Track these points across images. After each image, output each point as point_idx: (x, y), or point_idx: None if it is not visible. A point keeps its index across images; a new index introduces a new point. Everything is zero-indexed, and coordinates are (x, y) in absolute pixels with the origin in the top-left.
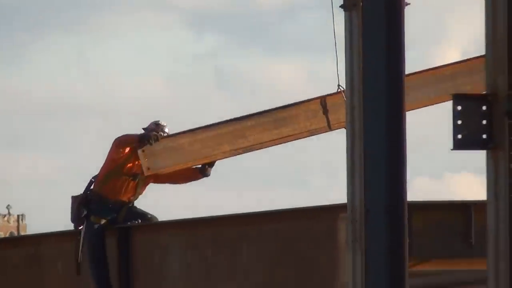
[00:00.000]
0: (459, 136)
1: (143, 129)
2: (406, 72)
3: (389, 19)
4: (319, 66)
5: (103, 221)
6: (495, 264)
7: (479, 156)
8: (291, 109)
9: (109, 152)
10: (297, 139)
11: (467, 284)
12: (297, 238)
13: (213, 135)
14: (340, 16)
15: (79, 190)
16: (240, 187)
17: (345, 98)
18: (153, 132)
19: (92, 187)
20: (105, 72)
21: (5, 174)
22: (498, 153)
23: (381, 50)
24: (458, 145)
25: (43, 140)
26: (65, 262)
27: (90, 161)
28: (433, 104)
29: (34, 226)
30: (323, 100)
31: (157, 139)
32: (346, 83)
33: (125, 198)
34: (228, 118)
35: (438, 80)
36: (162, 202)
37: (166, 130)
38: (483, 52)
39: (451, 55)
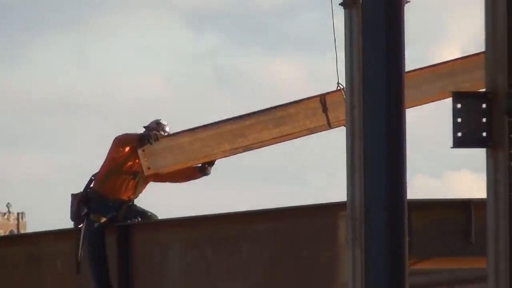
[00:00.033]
0: (459, 134)
1: (144, 127)
2: (405, 70)
3: (389, 17)
4: (319, 65)
5: (103, 220)
6: (495, 263)
7: (479, 154)
8: (290, 107)
9: (109, 151)
10: (297, 137)
11: (467, 282)
12: (297, 236)
13: (213, 134)
14: (340, 14)
15: (79, 188)
16: (240, 185)
17: (344, 97)
18: (153, 131)
19: (92, 185)
20: (105, 71)
21: (5, 172)
22: (498, 151)
23: (381, 48)
24: (458, 143)
25: (43, 139)
26: (65, 260)
27: (90, 160)
28: (432, 102)
29: (34, 224)
30: (322, 98)
31: (157, 139)
32: (346, 82)
33: (125, 197)
34: (228, 116)
35: (437, 77)
36: (162, 200)
37: (167, 129)
38: (482, 50)
39: (451, 54)
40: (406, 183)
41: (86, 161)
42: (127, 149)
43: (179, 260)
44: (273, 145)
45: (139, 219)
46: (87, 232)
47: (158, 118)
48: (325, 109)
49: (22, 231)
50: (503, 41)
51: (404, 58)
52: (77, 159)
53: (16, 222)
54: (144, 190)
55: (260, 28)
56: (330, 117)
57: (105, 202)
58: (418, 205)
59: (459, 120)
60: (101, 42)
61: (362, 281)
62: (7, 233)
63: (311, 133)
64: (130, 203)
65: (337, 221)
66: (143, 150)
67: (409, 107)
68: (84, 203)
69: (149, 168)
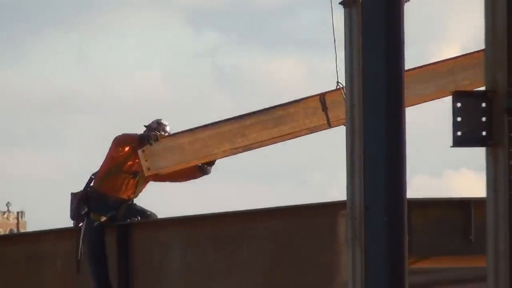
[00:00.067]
0: (459, 133)
1: (145, 126)
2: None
3: (388, 16)
4: (319, 63)
5: (102, 219)
6: (495, 262)
7: (479, 153)
8: (290, 107)
9: (109, 151)
10: (297, 137)
11: (467, 281)
12: (297, 235)
13: (213, 134)
14: (339, 13)
15: (79, 187)
16: (240, 184)
17: (344, 96)
18: (154, 131)
19: (92, 184)
20: (105, 70)
21: (5, 171)
22: (497, 150)
23: (380, 47)
24: (458, 142)
25: (43, 138)
26: (65, 259)
27: (89, 159)
28: (432, 100)
29: (34, 223)
30: (322, 97)
31: (157, 139)
32: (345, 81)
33: (125, 196)
34: (227, 115)
35: (437, 75)
36: (162, 199)
37: (168, 129)
38: (482, 48)
39: (451, 52)
40: (406, 182)
41: (86, 160)
42: (126, 148)
43: (179, 259)
44: (273, 145)
45: (139, 218)
46: (87, 231)
47: (159, 117)
48: (324, 108)
49: (21, 230)
50: (503, 40)
51: (404, 57)
52: (77, 158)
53: (15, 221)
54: (144, 189)
55: (260, 27)
56: (330, 116)
57: (105, 201)
58: (417, 204)
59: (458, 119)
60: (100, 41)
61: (362, 280)
62: (6, 232)
63: (311, 133)
64: (130, 202)
65: (337, 220)
66: (143, 151)
67: (408, 106)
68: (84, 202)
69: (149, 169)
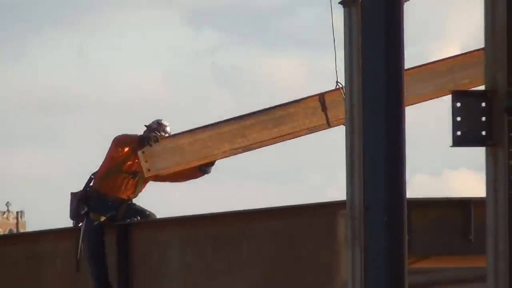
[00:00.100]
0: (458, 133)
1: (146, 126)
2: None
3: (388, 15)
4: (319, 62)
5: (102, 218)
6: (495, 262)
7: (479, 153)
8: (289, 107)
9: (109, 151)
10: (297, 137)
11: (467, 281)
12: (296, 235)
13: (213, 135)
14: (339, 13)
15: (78, 187)
16: (240, 184)
17: (344, 95)
18: (153, 132)
19: (91, 184)
20: (104, 70)
21: (4, 171)
22: (497, 150)
23: (380, 47)
24: (457, 142)
25: (43, 137)
26: (64, 259)
27: (89, 159)
28: (431, 99)
29: (33, 223)
30: (321, 97)
31: (157, 140)
32: (345, 80)
33: (124, 196)
34: (227, 115)
35: (436, 74)
36: (161, 199)
37: (168, 129)
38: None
39: (451, 52)
40: (405, 181)
41: (86, 160)
42: (126, 149)
43: (179, 259)
44: (272, 145)
45: (139, 218)
46: (86, 231)
47: (159, 118)
48: (324, 108)
49: (21, 230)
50: (502, 40)
51: (403, 57)
52: (77, 158)
53: (15, 221)
54: (143, 189)
55: (260, 26)
56: (329, 116)
57: (104, 201)
58: (417, 204)
59: (458, 118)
60: (100, 40)
61: (362, 280)
62: (6, 232)
63: (311, 133)
64: (130, 202)
65: (336, 220)
66: (143, 152)
67: (408, 105)
68: (84, 202)
69: (149, 170)
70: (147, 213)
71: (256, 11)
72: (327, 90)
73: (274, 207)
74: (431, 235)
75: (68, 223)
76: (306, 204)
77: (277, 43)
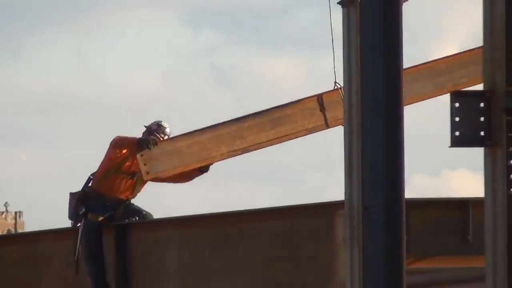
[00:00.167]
0: (457, 133)
1: (145, 126)
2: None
3: (386, 15)
4: (318, 62)
5: (100, 218)
6: (493, 262)
7: (477, 153)
8: (287, 108)
9: (107, 152)
10: (295, 138)
11: (465, 282)
12: (295, 235)
13: (211, 137)
14: (338, 13)
15: (77, 187)
16: (238, 184)
17: (342, 96)
18: (153, 134)
19: (90, 184)
20: (103, 69)
21: (2, 171)
22: (496, 150)
23: (379, 47)
24: (456, 142)
25: (41, 137)
26: (63, 259)
27: (87, 159)
28: (430, 98)
29: (32, 223)
30: (319, 98)
31: (155, 143)
32: (344, 81)
33: (123, 196)
34: (227, 115)
35: (435, 73)
36: (160, 199)
37: (167, 131)
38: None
39: (450, 51)
40: (404, 182)
41: (84, 160)
42: (124, 151)
43: (177, 259)
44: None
45: (137, 218)
46: (84, 231)
47: (159, 119)
48: (322, 109)
49: (19, 231)
50: (501, 40)
51: (402, 57)
52: (75, 158)
53: (13, 221)
54: (142, 189)
55: (259, 26)
56: (327, 117)
57: (103, 201)
58: (416, 204)
59: (457, 119)
60: (99, 40)
61: (360, 280)
62: (4, 233)
63: (309, 133)
64: (128, 202)
65: (335, 220)
66: (142, 155)
67: (406, 104)
68: (82, 202)
69: (148, 173)
70: (144, 213)
71: (254, 11)
72: (325, 90)
73: (273, 207)
74: (430, 235)
75: (67, 223)
76: (305, 204)
77: (276, 43)
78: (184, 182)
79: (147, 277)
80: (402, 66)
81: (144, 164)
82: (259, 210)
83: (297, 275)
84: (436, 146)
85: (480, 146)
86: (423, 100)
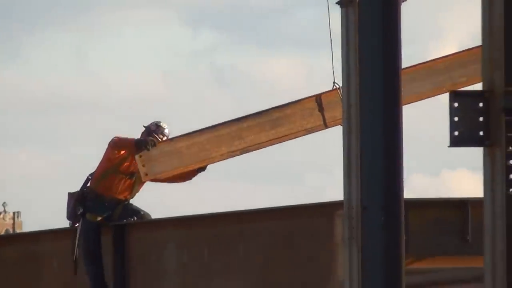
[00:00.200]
0: (456, 133)
1: (144, 126)
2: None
3: (385, 15)
4: (318, 62)
5: (99, 219)
6: (492, 263)
7: (476, 153)
8: (286, 108)
9: (105, 152)
10: (294, 138)
11: (464, 282)
12: (293, 235)
13: (210, 138)
14: (336, 13)
15: (75, 187)
16: (237, 184)
17: (341, 96)
18: (151, 134)
19: (88, 184)
20: (102, 69)
21: (1, 171)
22: (495, 150)
23: (377, 47)
24: (455, 142)
25: (39, 137)
26: (61, 259)
27: (86, 159)
28: (429, 97)
29: (30, 223)
30: (318, 98)
31: (154, 144)
32: (342, 81)
33: (121, 196)
34: (226, 114)
35: (434, 73)
36: (159, 199)
37: (166, 131)
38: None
39: (449, 51)
40: (402, 182)
41: (83, 160)
42: (122, 152)
43: (176, 259)
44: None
45: (135, 218)
46: (83, 231)
47: (158, 120)
48: (321, 109)
49: (18, 231)
50: (500, 40)
51: (400, 57)
52: (74, 158)
53: (12, 221)
54: (141, 189)
55: (258, 26)
56: (326, 117)
57: (101, 201)
58: (414, 204)
59: (456, 119)
60: (98, 40)
61: (359, 280)
62: (2, 233)
63: (308, 133)
64: (126, 202)
65: (333, 220)
66: (140, 156)
67: (405, 104)
68: (80, 202)
69: (146, 174)
70: (142, 213)
71: (254, 11)
72: (324, 90)
73: (272, 207)
74: (429, 235)
75: (65, 223)
76: (304, 204)
77: (275, 43)
78: (182, 182)
79: (146, 277)
80: (401, 66)
81: (143, 165)
82: (258, 210)
83: (296, 275)
84: (436, 146)
85: (479, 146)
86: (422, 99)
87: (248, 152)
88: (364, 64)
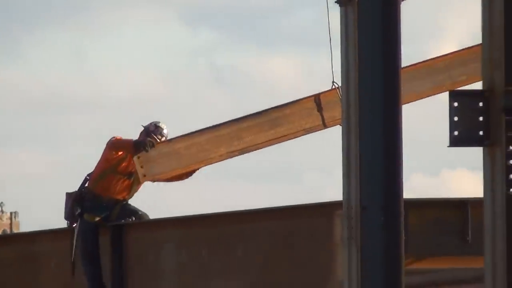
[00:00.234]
0: (456, 133)
1: (143, 126)
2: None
3: (385, 14)
4: (317, 61)
5: (96, 219)
6: (492, 263)
7: (476, 153)
8: (285, 108)
9: (103, 153)
10: (293, 138)
11: (464, 282)
12: (293, 235)
13: (209, 138)
14: (336, 12)
15: (73, 187)
16: (236, 184)
17: (340, 95)
18: (150, 135)
19: (86, 184)
20: (101, 69)
21: None
22: (495, 150)
23: (377, 46)
24: (455, 141)
25: (37, 137)
26: (59, 259)
27: (84, 159)
28: (428, 96)
29: (27, 223)
30: (317, 98)
31: (152, 145)
32: (341, 80)
33: (119, 196)
34: (225, 114)
35: (433, 71)
36: (158, 199)
37: (165, 132)
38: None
39: (448, 50)
40: (402, 182)
41: (82, 160)
42: (120, 152)
43: (174, 259)
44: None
45: (133, 218)
46: (80, 231)
47: (157, 120)
48: (320, 109)
49: (15, 231)
50: (500, 39)
51: (400, 56)
52: (72, 158)
53: (9, 221)
54: (139, 190)
55: (257, 26)
56: (325, 117)
57: (99, 201)
58: (414, 204)
59: (455, 118)
60: (97, 39)
61: (358, 280)
62: (0, 233)
63: (307, 133)
64: (124, 203)
65: (333, 220)
66: (138, 157)
67: (405, 103)
68: (78, 203)
69: (145, 176)
70: (140, 213)
71: (253, 10)
72: (323, 90)
73: (271, 207)
74: (428, 235)
75: (63, 223)
76: (302, 204)
77: (275, 43)
78: (179, 180)
79: (144, 278)
80: (400, 65)
81: (141, 167)
82: (257, 210)
83: (295, 275)
84: (435, 146)
85: (479, 145)
86: (421, 98)
87: (247, 152)
88: (364, 63)
